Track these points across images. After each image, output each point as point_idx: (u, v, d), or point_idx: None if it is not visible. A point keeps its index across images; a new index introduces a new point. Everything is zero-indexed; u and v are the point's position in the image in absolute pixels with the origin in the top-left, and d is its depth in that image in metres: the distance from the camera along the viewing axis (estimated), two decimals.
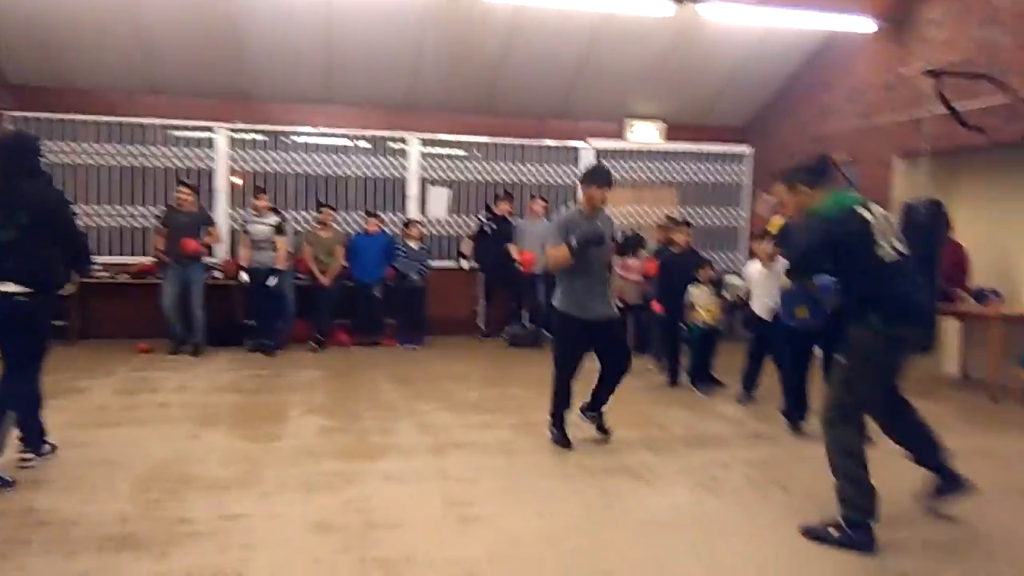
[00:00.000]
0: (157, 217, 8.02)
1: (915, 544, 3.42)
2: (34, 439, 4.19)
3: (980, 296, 6.94)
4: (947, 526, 3.64)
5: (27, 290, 3.86)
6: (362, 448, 4.68)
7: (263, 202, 7.96)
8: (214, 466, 4.25)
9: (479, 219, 9.09)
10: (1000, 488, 4.15)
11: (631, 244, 7.05)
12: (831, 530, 3.36)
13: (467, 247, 9.14)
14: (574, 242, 4.46)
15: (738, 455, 4.70)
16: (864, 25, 7.66)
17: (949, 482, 3.64)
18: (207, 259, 8.01)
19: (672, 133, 9.92)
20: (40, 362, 4.13)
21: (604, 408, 4.93)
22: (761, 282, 5.85)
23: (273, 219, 7.94)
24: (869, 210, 3.39)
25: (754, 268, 6.02)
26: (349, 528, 3.43)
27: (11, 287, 3.84)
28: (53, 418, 5.11)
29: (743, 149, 10.15)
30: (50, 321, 4.22)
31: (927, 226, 6.33)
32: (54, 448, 4.32)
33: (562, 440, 4.77)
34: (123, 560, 3.05)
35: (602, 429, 4.93)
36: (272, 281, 7.81)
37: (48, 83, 8.33)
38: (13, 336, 3.94)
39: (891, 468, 3.72)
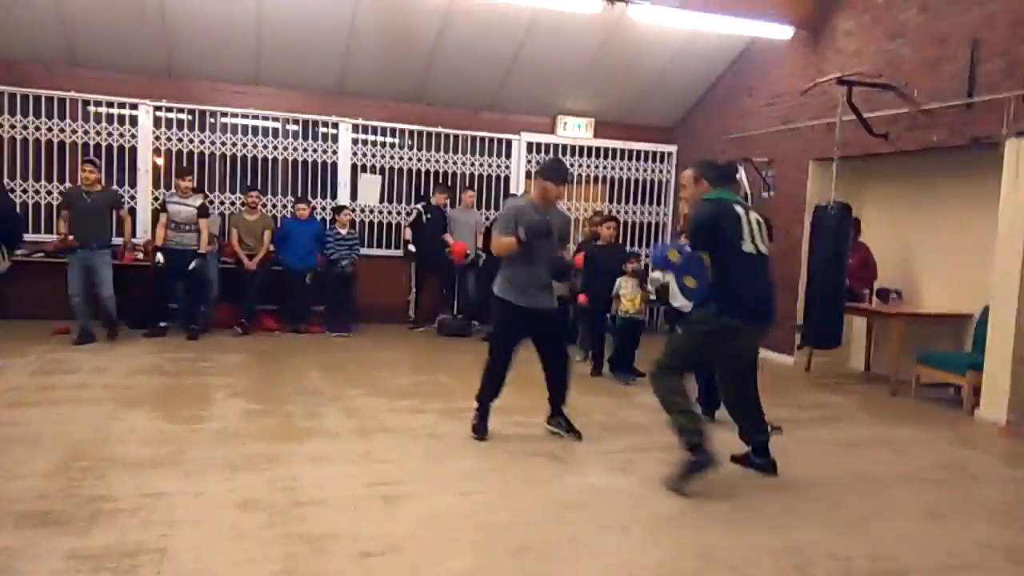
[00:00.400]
0: (59, 197, 7.72)
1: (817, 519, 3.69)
2: None
3: (884, 295, 7.39)
4: (850, 503, 3.93)
5: None
6: (288, 431, 4.71)
7: (187, 183, 7.80)
8: (136, 446, 4.21)
9: (417, 208, 9.09)
10: (897, 474, 4.50)
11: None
12: (683, 466, 3.93)
13: (409, 235, 9.09)
14: (523, 234, 4.48)
15: (654, 441, 4.89)
16: (782, 32, 8.03)
17: (758, 457, 4.38)
18: (115, 240, 7.60)
19: (601, 130, 10.15)
20: None
21: (565, 409, 4.92)
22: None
23: (197, 200, 7.81)
24: (745, 209, 4.11)
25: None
26: (274, 506, 3.48)
27: None
28: None
29: (669, 148, 10.47)
30: None
31: (836, 228, 6.72)
32: None
33: (482, 430, 4.76)
34: (42, 535, 3.04)
35: (573, 431, 4.86)
36: (195, 264, 7.67)
37: None
38: None
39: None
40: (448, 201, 9.21)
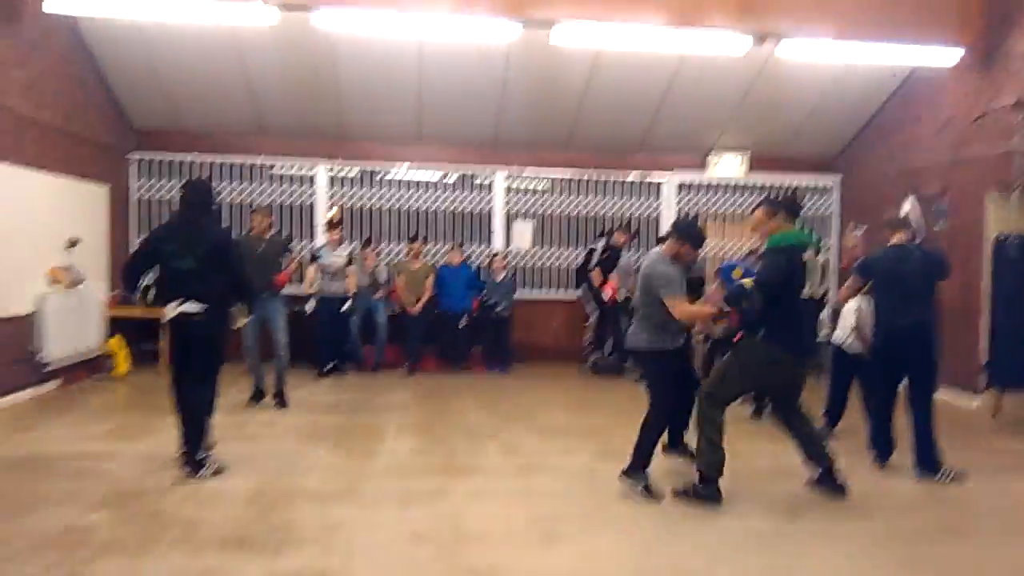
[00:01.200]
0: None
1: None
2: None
3: None
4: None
5: (202, 307, 4.55)
6: (451, 467, 4.96)
7: (336, 235, 8.49)
8: (317, 479, 4.61)
9: (594, 248, 9.16)
10: None
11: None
12: (690, 488, 4.33)
13: (596, 276, 8.98)
14: (725, 305, 4.49)
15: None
16: (949, 57, 7.55)
17: (825, 479, 4.50)
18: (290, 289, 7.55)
19: (756, 165, 9.95)
20: (214, 375, 4.77)
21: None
22: (852, 315, 5.84)
23: (345, 251, 8.48)
24: (815, 253, 4.33)
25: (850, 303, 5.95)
26: (440, 538, 3.69)
27: (192, 307, 4.53)
28: (172, 432, 5.61)
29: (829, 180, 10.08)
30: (224, 338, 4.82)
31: (1019, 260, 6.22)
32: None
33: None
34: (240, 559, 3.40)
35: (690, 454, 4.79)
36: (347, 307, 8.28)
37: (167, 127, 9.11)
38: (195, 351, 4.63)
39: None
40: (628, 243, 9.15)
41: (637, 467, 4.46)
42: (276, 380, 6.59)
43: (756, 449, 5.65)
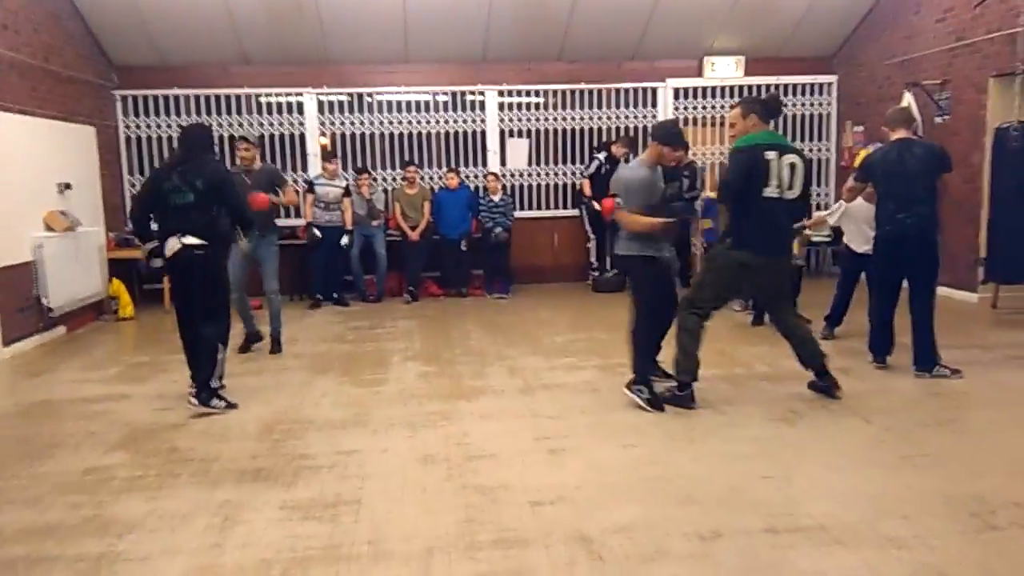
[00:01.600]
0: None
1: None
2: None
3: None
4: None
5: (204, 242, 4.61)
6: (458, 390, 5.05)
7: (333, 166, 8.46)
8: (328, 409, 4.70)
9: (597, 159, 9.10)
10: None
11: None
12: (666, 394, 4.52)
13: (587, 187, 9.03)
14: (664, 221, 4.48)
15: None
16: None
17: (821, 380, 4.64)
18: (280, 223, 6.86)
19: (753, 67, 9.71)
20: (223, 309, 4.82)
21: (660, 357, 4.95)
22: (855, 215, 5.83)
23: (342, 182, 8.46)
24: (779, 155, 4.27)
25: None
26: (450, 460, 3.80)
27: (192, 240, 4.59)
28: (182, 370, 5.70)
29: (829, 79, 9.86)
30: (225, 272, 4.89)
31: (1019, 150, 6.13)
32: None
33: (657, 402, 4.52)
34: (257, 489, 3.51)
35: (665, 373, 4.88)
36: (345, 240, 8.34)
37: (148, 62, 8.90)
38: (200, 285, 4.67)
39: None
40: (628, 153, 9.02)
41: (638, 379, 4.55)
42: (271, 326, 6.21)
43: (755, 355, 5.74)
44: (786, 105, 9.80)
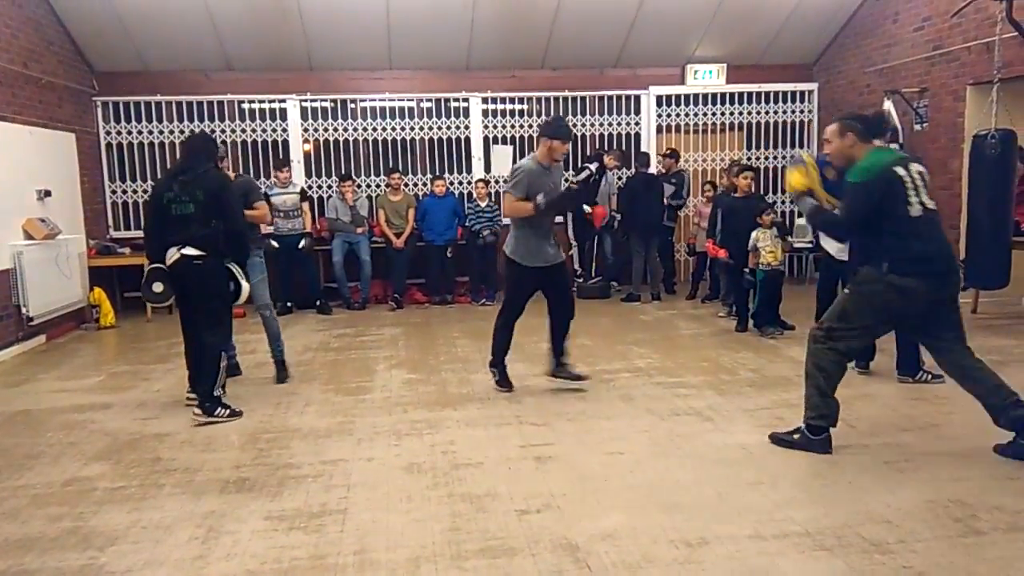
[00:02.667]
0: None
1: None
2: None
3: None
4: None
5: (203, 254, 4.56)
6: (443, 398, 5.04)
7: (284, 174, 8.42)
8: (312, 417, 4.67)
9: (588, 167, 9.07)
10: None
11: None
12: (795, 436, 3.93)
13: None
14: (541, 203, 4.73)
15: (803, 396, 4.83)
16: None
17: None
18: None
19: (734, 75, 9.80)
20: (224, 317, 4.79)
21: (566, 357, 5.19)
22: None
23: (296, 188, 8.45)
24: (906, 168, 3.69)
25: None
26: (436, 469, 3.79)
27: (191, 251, 4.54)
28: (165, 379, 5.68)
29: (809, 86, 9.96)
30: (226, 281, 4.78)
31: (999, 158, 6.21)
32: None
33: (507, 383, 5.13)
34: (242, 500, 3.48)
35: (576, 376, 5.16)
36: (303, 243, 8.29)
37: (130, 68, 8.84)
38: (199, 297, 4.66)
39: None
40: (619, 165, 9.19)
41: (492, 362, 5.14)
42: (272, 349, 5.61)
43: (740, 361, 5.77)
44: (767, 113, 9.93)
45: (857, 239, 3.94)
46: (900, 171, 3.67)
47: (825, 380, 3.81)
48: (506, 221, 9.33)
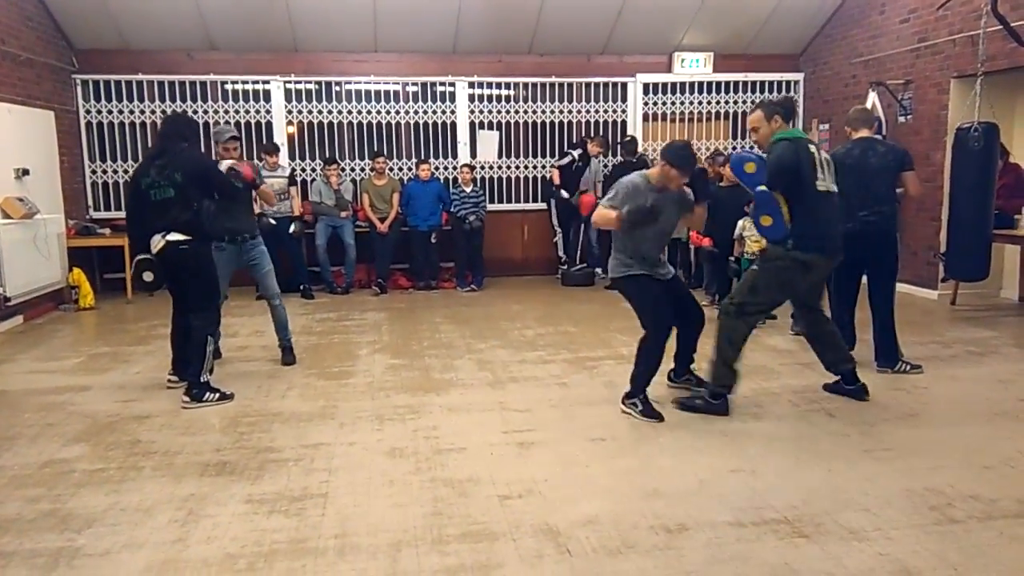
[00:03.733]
0: None
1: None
2: (182, 367, 4.86)
3: None
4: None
5: (187, 237, 4.51)
6: (427, 383, 5.03)
7: (275, 158, 8.33)
8: (294, 401, 4.65)
9: (571, 153, 9.06)
10: None
11: None
12: (698, 401, 4.33)
13: (556, 176, 8.91)
14: (626, 214, 4.13)
15: (785, 384, 4.88)
16: None
17: (848, 384, 4.53)
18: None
19: (721, 64, 9.80)
20: (212, 301, 4.75)
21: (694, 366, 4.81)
22: None
23: (285, 172, 8.37)
24: (816, 149, 4.18)
25: None
26: (418, 453, 3.78)
27: (176, 236, 4.49)
28: (145, 361, 5.63)
29: (795, 76, 9.98)
30: (212, 264, 4.77)
31: (981, 151, 6.26)
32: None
33: (652, 412, 4.29)
34: (222, 483, 3.46)
35: (699, 380, 4.70)
36: (293, 228, 8.21)
37: (111, 46, 8.69)
38: (185, 281, 4.65)
39: None
40: (601, 152, 9.22)
41: (634, 392, 4.32)
42: (279, 337, 5.57)
43: None
44: (754, 103, 9.93)
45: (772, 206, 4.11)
46: (812, 148, 4.15)
47: (734, 352, 4.20)
48: (491, 207, 9.42)
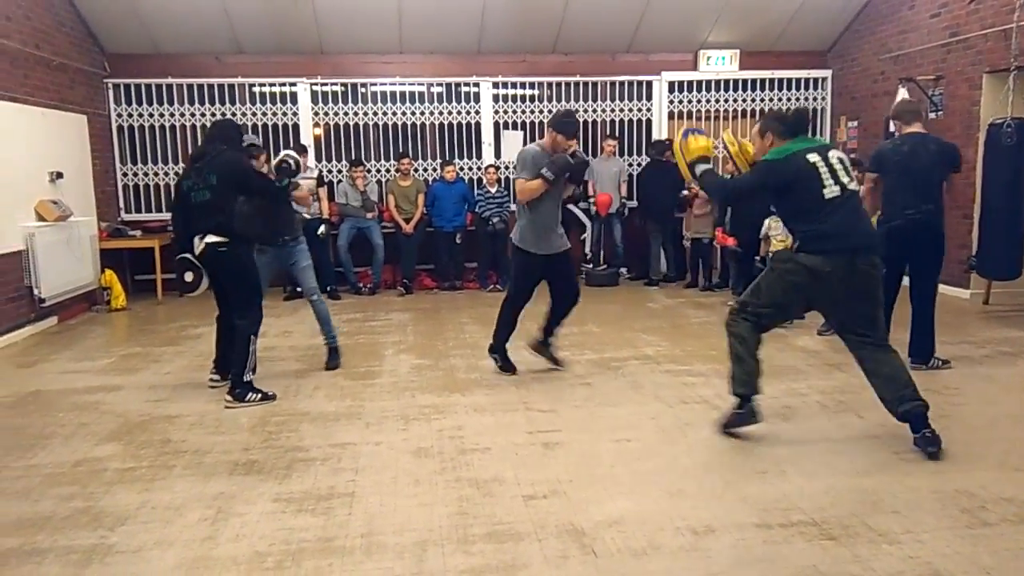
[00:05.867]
0: None
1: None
2: (226, 365, 4.91)
3: None
4: None
5: (225, 239, 4.57)
6: (452, 383, 5.05)
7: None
8: (321, 401, 4.70)
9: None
10: None
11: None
12: (731, 416, 4.00)
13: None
14: (548, 172, 4.73)
15: (814, 385, 4.83)
16: None
17: (914, 432, 3.71)
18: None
19: (748, 61, 9.71)
20: (253, 302, 4.76)
21: (552, 340, 5.31)
22: None
23: (313, 172, 8.37)
24: (822, 155, 3.74)
25: None
26: (444, 453, 3.80)
27: (213, 238, 4.56)
28: (175, 361, 5.72)
29: (823, 73, 9.87)
30: (252, 265, 4.81)
31: (1014, 147, 6.15)
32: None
33: (508, 366, 5.22)
34: (251, 482, 3.50)
35: (554, 360, 5.30)
36: (322, 229, 8.10)
37: (142, 50, 8.83)
38: (225, 283, 4.74)
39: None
40: (615, 149, 9.28)
41: (494, 347, 5.23)
42: (324, 334, 5.59)
43: None
44: (780, 100, 9.85)
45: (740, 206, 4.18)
46: (813, 158, 3.72)
47: (743, 347, 3.94)
48: (514, 207, 9.41)
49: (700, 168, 4.12)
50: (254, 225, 4.89)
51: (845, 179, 3.76)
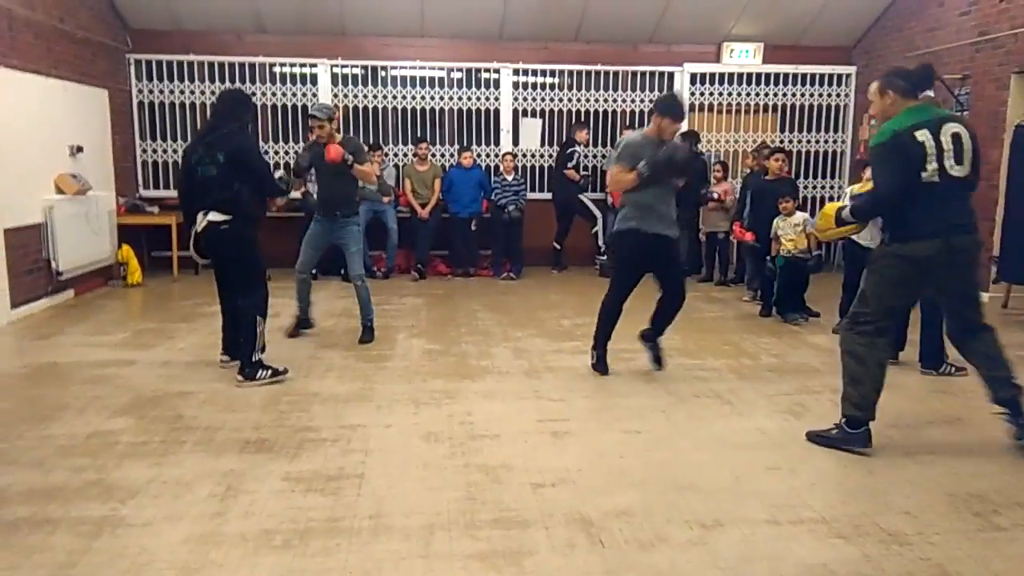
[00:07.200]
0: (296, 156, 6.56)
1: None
2: (233, 348, 4.92)
3: None
4: None
5: (227, 218, 4.54)
6: (463, 369, 5.05)
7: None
8: (333, 383, 4.71)
9: (575, 149, 9.01)
10: None
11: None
12: (834, 431, 3.73)
13: (575, 175, 9.00)
14: (644, 169, 4.48)
15: (827, 383, 4.79)
16: None
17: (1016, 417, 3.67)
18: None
19: (771, 55, 9.61)
20: (258, 280, 4.74)
21: (661, 340, 5.04)
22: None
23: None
24: (933, 131, 3.43)
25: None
26: (454, 438, 3.80)
27: (216, 216, 4.53)
28: (189, 338, 5.75)
29: (848, 70, 9.75)
30: (254, 245, 4.74)
31: None
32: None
33: (602, 366, 4.95)
34: (260, 460, 3.52)
35: (659, 360, 5.04)
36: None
37: (164, 26, 8.84)
38: (227, 261, 4.72)
39: None
40: (589, 139, 9.28)
41: (594, 344, 4.96)
42: (362, 315, 5.77)
43: (762, 346, 5.72)
44: (803, 96, 9.75)
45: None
46: (921, 136, 3.42)
47: (858, 365, 3.63)
48: (532, 196, 9.39)
49: (844, 214, 3.87)
50: (317, 195, 5.00)
51: (950, 162, 3.43)
